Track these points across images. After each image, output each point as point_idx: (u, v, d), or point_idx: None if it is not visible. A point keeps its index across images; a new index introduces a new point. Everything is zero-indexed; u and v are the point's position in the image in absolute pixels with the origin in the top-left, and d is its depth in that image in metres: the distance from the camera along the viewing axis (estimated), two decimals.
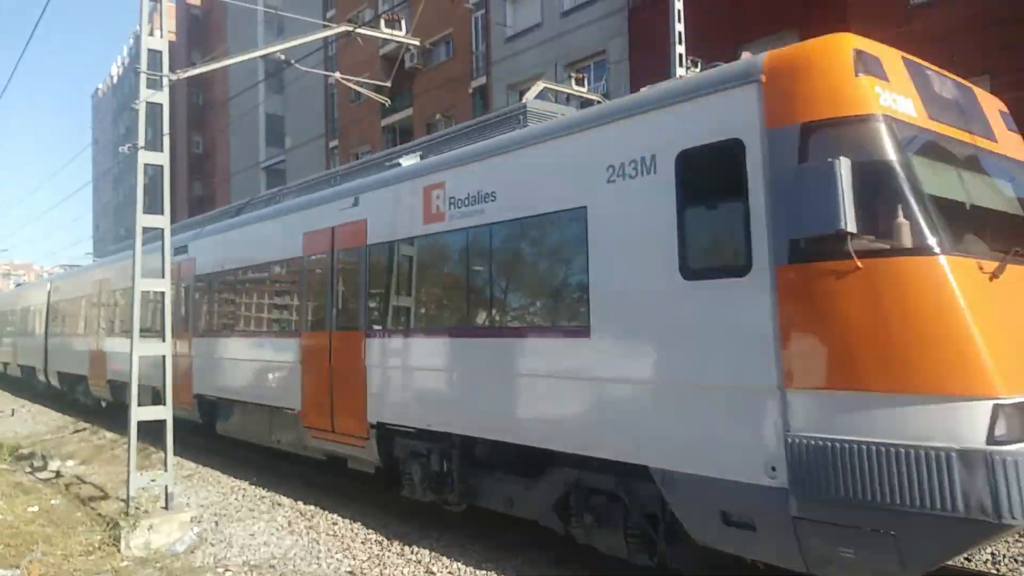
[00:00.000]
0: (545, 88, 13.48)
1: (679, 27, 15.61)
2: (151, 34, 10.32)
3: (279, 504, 10.85)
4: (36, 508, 11.01)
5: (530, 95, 12.16)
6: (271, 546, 8.89)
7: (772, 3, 18.88)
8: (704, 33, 17.44)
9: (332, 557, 8.35)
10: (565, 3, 26.55)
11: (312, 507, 10.56)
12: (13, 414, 23.84)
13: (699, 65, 13.87)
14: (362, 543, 8.79)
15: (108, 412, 20.28)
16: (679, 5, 15.70)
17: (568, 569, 7.58)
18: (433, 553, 8.25)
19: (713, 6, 19.51)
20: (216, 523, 9.98)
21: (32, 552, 8.79)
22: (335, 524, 9.65)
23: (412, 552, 8.35)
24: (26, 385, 29.92)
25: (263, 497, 11.34)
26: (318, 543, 8.87)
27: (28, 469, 14.17)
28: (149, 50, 10.26)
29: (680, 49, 15.43)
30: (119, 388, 17.27)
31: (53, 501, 11.51)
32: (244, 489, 11.95)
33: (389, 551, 8.44)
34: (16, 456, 15.76)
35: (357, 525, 9.53)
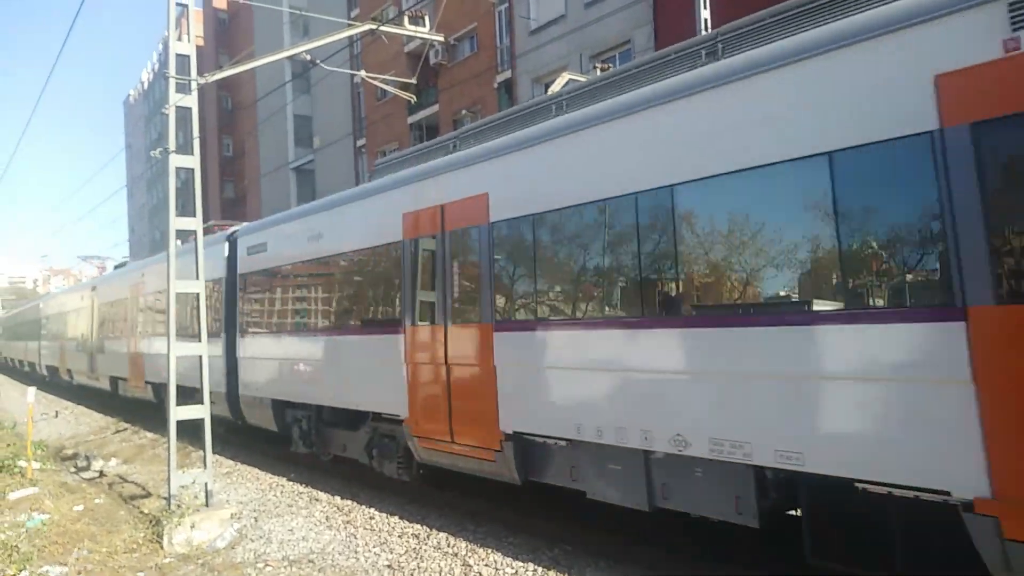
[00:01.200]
0: (571, 79, 13.42)
1: (705, 14, 15.47)
2: (179, 39, 10.47)
3: (316, 499, 10.98)
4: (81, 507, 11.27)
5: (556, 87, 12.14)
6: (309, 541, 8.99)
7: None
8: (731, 18, 17.21)
9: (370, 551, 8.43)
10: None
11: (349, 502, 10.67)
12: (57, 416, 24.38)
13: None
14: (399, 537, 8.86)
15: (148, 411, 20.63)
16: None
17: (603, 559, 7.57)
18: (470, 546, 8.29)
19: None
20: (255, 519, 10.13)
21: (78, 549, 9.00)
22: (372, 518, 9.74)
23: (449, 545, 8.40)
24: (67, 386, 30.67)
25: (301, 493, 11.48)
26: (355, 537, 8.96)
27: (73, 469, 14.50)
28: (177, 55, 10.42)
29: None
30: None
31: (97, 500, 11.77)
32: (282, 485, 12.11)
33: (426, 544, 8.50)
34: (61, 457, 16.13)
35: (394, 519, 9.61)
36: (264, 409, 13.20)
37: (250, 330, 13.68)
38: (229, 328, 14.35)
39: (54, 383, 33.62)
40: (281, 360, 12.61)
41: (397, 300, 9.82)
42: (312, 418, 12.21)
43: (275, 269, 12.92)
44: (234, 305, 14.31)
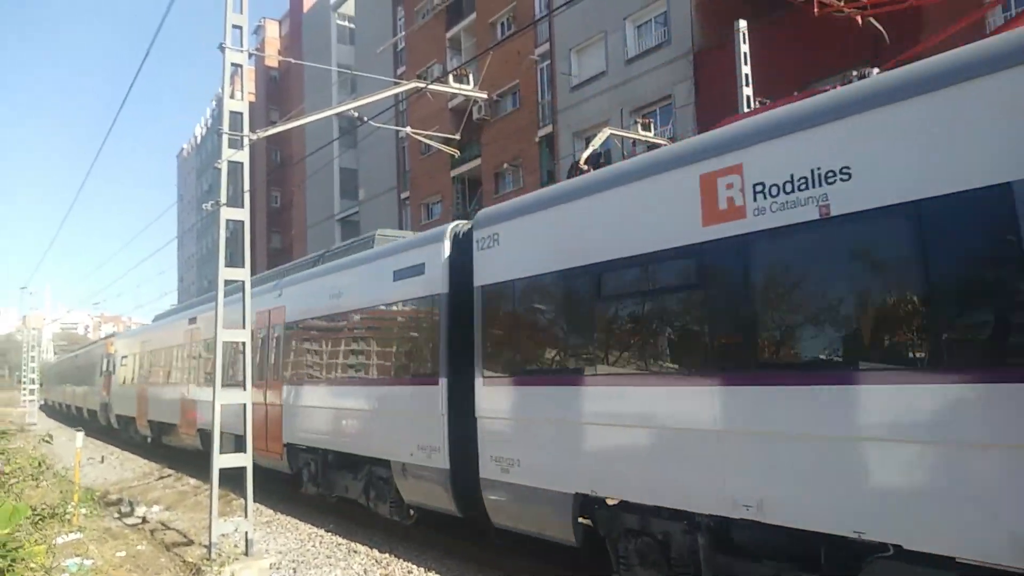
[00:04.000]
0: (611, 134, 13.59)
1: (746, 69, 15.62)
2: (232, 96, 10.85)
3: (355, 551, 10.92)
4: (123, 553, 11.36)
5: (596, 142, 12.30)
6: None
7: (841, 41, 18.65)
8: (771, 74, 17.33)
9: None
10: (630, 51, 26.83)
11: (387, 555, 10.59)
12: (103, 461, 24.75)
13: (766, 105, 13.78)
14: None
15: (191, 459, 20.86)
16: (745, 47, 15.73)
17: None
18: None
19: (779, 47, 19.41)
20: (294, 570, 10.11)
21: None
22: (410, 572, 9.65)
23: None
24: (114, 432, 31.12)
25: (339, 544, 11.44)
26: None
27: (116, 515, 14.66)
28: (231, 112, 10.79)
29: (747, 91, 15.42)
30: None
31: (139, 547, 11.86)
32: (321, 536, 12.09)
33: None
34: (105, 502, 16.34)
35: (432, 574, 9.50)
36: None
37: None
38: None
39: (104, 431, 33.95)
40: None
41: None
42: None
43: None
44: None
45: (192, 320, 20.39)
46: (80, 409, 40.59)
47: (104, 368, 31.63)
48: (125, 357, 28.24)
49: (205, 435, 17.81)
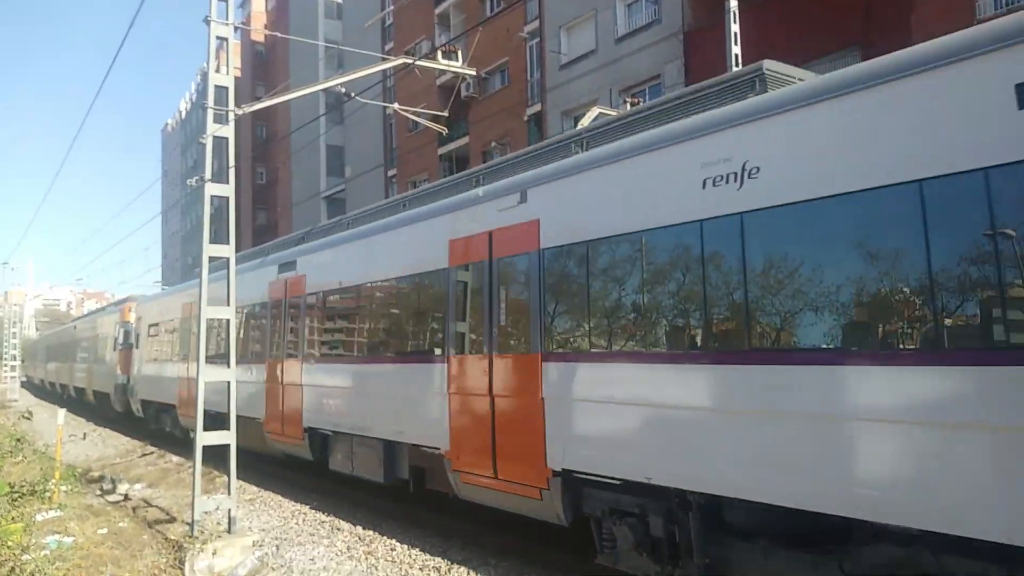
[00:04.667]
0: (600, 113, 13.50)
1: (736, 49, 15.53)
2: (217, 71, 10.69)
3: (339, 529, 10.92)
4: (105, 530, 11.31)
5: (585, 120, 12.21)
6: (330, 571, 8.93)
7: (831, 22, 18.58)
8: (761, 55, 17.23)
9: None
10: (620, 29, 26.64)
11: (371, 532, 10.60)
12: (85, 438, 24.63)
13: None
14: (420, 569, 8.77)
15: (174, 436, 20.74)
16: (735, 28, 15.63)
17: None
18: None
19: (769, 27, 19.31)
20: (277, 547, 10.09)
21: (101, 573, 9.02)
22: (393, 550, 9.66)
23: None
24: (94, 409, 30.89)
25: (323, 522, 11.44)
26: (376, 569, 8.88)
27: (98, 492, 14.60)
28: (216, 86, 10.63)
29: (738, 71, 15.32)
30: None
31: (121, 524, 11.81)
32: (305, 513, 12.08)
33: None
34: (87, 479, 16.26)
35: (416, 551, 9.51)
36: None
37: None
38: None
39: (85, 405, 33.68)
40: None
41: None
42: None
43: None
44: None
45: (285, 266, 14.41)
46: (80, 390, 34.56)
47: (120, 340, 25.66)
48: (156, 325, 21.90)
49: (318, 438, 12.84)
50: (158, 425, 21.99)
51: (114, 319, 27.27)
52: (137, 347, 23.81)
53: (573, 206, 7.84)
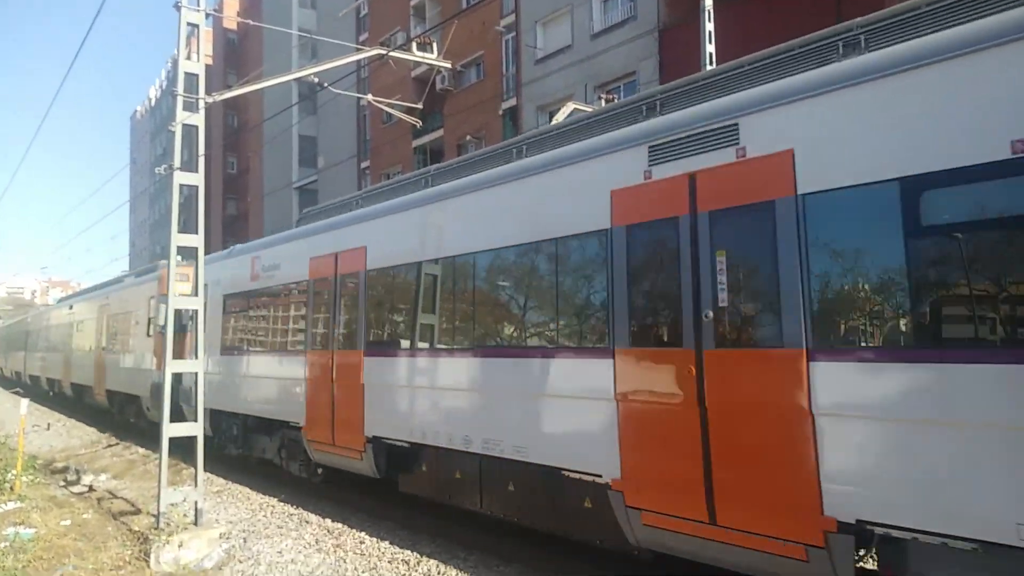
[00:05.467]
0: (575, 109, 13.52)
1: (710, 48, 15.63)
2: (188, 58, 10.54)
3: (307, 522, 10.87)
4: (69, 522, 11.15)
5: (560, 116, 12.23)
6: (298, 564, 8.89)
7: (805, 23, 18.72)
8: (735, 54, 17.36)
9: None
10: (595, 25, 26.70)
11: (339, 525, 10.56)
12: (49, 428, 24.22)
13: None
14: (389, 562, 8.76)
15: (140, 428, 20.48)
16: (710, 26, 15.73)
17: None
18: (460, 574, 8.19)
19: (744, 26, 19.45)
20: (244, 540, 10.02)
21: (64, 565, 8.89)
22: (362, 543, 9.64)
23: (439, 573, 8.30)
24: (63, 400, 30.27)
25: (291, 514, 11.37)
26: (345, 562, 8.86)
27: (62, 483, 14.36)
28: (186, 73, 10.48)
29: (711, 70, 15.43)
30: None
31: (85, 515, 11.64)
32: (273, 506, 12.00)
33: (416, 571, 8.39)
34: (51, 470, 16.00)
35: (384, 544, 9.50)
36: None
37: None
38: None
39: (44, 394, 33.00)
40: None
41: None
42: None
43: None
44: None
45: (334, 237, 12.01)
46: (79, 387, 26.89)
47: (156, 321, 18.26)
48: (243, 297, 14.80)
49: (383, 450, 10.51)
50: (262, 457, 14.44)
51: (146, 292, 19.75)
52: (204, 330, 13.56)
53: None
